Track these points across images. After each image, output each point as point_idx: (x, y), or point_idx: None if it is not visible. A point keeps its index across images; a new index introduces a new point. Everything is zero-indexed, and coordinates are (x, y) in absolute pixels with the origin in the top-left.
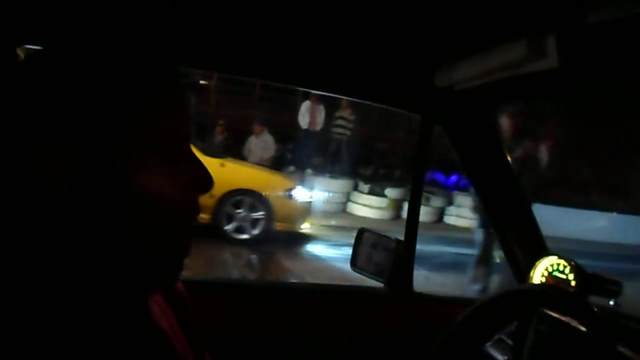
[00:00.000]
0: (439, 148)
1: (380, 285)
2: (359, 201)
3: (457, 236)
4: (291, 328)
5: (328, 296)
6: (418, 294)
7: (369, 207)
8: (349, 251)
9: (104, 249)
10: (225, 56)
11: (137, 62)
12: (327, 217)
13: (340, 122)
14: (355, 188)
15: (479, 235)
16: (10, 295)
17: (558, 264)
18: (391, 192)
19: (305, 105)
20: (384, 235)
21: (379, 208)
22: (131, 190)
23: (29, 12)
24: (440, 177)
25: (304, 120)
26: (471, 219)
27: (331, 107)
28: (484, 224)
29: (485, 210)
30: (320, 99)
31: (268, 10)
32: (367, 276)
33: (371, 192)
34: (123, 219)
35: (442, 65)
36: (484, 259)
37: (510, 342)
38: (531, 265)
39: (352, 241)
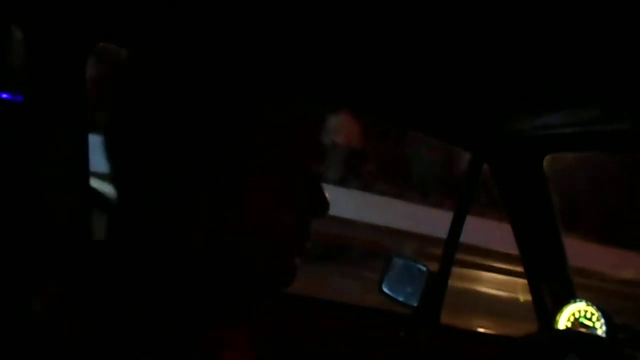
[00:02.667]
0: None
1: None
2: None
3: None
4: (310, 342)
5: (352, 315)
6: (444, 326)
7: None
8: None
9: (214, 260)
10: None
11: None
12: None
13: None
14: None
15: None
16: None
17: (586, 311)
18: None
19: None
20: (416, 263)
21: None
22: (252, 208)
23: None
24: None
25: None
26: None
27: None
28: None
29: (520, 250)
30: None
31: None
32: (394, 302)
33: None
34: (241, 236)
35: (511, 111)
36: None
37: None
38: (558, 309)
39: None
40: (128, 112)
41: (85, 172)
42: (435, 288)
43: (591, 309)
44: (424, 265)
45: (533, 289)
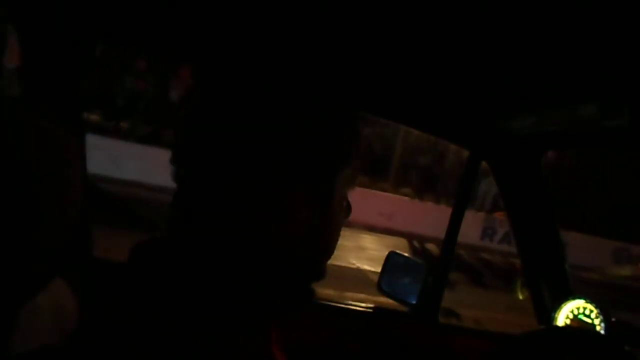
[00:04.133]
0: None
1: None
2: None
3: None
4: (309, 342)
5: (351, 313)
6: (443, 325)
7: None
8: None
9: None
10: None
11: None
12: None
13: None
14: None
15: None
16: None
17: (584, 308)
18: None
19: None
20: (415, 261)
21: None
22: (298, 220)
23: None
24: None
25: None
26: None
27: None
28: None
29: (518, 247)
30: None
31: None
32: (392, 299)
33: None
34: (288, 242)
35: (509, 108)
36: None
37: None
38: (556, 306)
39: None
40: (196, 129)
41: (83, 172)
42: (434, 285)
43: (590, 306)
44: (423, 263)
45: (532, 286)
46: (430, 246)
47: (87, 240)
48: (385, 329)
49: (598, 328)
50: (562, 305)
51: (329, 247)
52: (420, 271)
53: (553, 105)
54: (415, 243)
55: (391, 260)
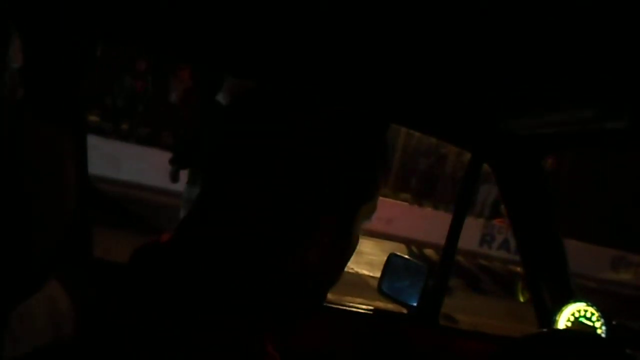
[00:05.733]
0: None
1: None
2: None
3: None
4: (309, 342)
5: (352, 315)
6: (443, 326)
7: None
8: None
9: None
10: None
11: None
12: None
13: None
14: None
15: None
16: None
17: (585, 311)
18: None
19: None
20: (416, 263)
21: None
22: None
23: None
24: None
25: None
26: None
27: None
28: None
29: (520, 249)
30: None
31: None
32: (393, 301)
33: None
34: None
35: (510, 110)
36: None
37: None
38: (557, 309)
39: None
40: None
41: (83, 172)
42: (435, 288)
43: (591, 309)
44: (423, 265)
45: (533, 288)
46: (429, 252)
47: (87, 241)
48: (385, 330)
49: (599, 331)
50: (564, 308)
51: (335, 272)
52: (421, 273)
53: (554, 106)
54: (414, 248)
55: (392, 262)
